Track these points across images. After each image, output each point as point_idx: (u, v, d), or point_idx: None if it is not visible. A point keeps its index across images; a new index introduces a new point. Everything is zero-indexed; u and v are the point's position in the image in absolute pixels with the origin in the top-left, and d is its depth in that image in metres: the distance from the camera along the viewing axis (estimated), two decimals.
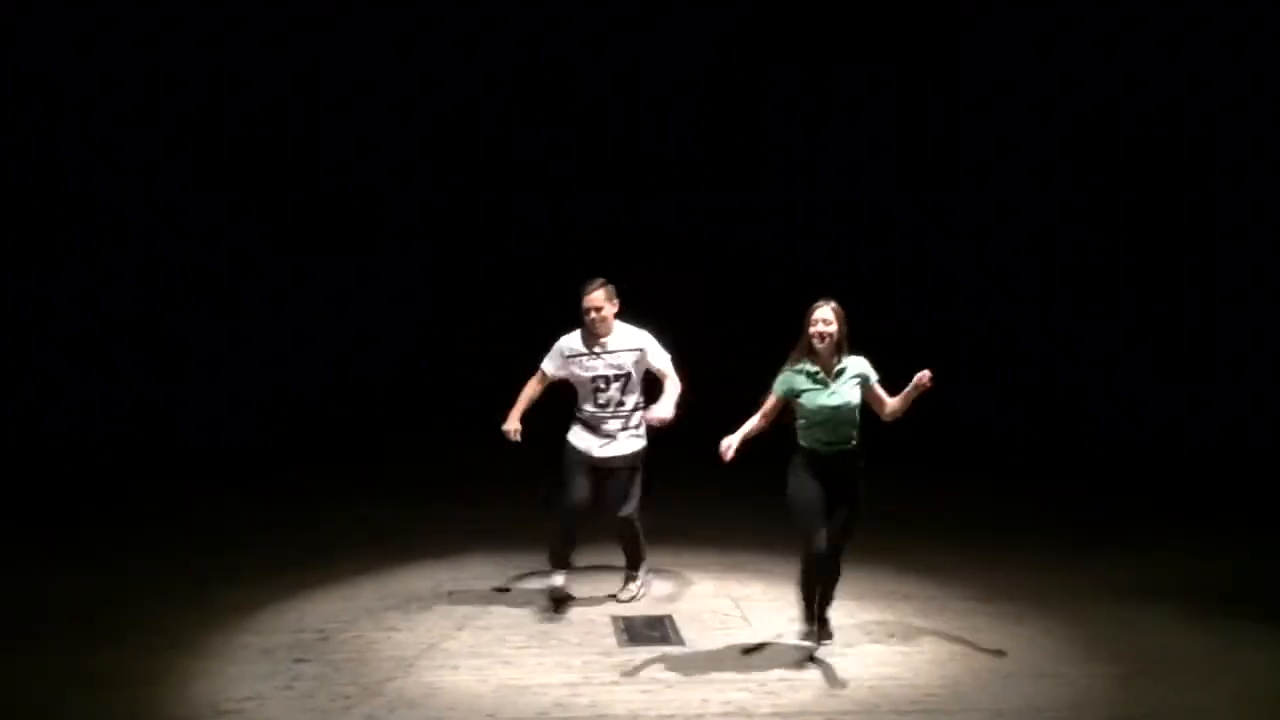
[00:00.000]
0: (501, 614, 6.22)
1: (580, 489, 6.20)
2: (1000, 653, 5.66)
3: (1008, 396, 11.41)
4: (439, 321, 12.38)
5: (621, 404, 6.20)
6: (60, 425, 10.73)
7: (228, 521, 8.30)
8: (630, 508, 6.26)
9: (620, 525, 6.32)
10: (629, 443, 6.23)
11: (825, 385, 5.44)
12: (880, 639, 5.80)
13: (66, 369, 11.27)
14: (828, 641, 5.67)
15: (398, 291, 12.47)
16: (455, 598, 6.50)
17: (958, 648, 5.73)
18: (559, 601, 6.32)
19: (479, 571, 7.03)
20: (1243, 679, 5.35)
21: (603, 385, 6.18)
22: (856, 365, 5.51)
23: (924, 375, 5.22)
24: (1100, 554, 7.49)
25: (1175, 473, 9.87)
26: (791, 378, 5.49)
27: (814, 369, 5.44)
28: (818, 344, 5.42)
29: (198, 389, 11.57)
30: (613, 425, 6.20)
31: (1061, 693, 5.16)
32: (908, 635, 5.88)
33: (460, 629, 5.98)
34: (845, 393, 5.44)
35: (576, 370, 6.22)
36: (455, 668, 5.44)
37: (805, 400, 5.44)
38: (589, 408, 6.22)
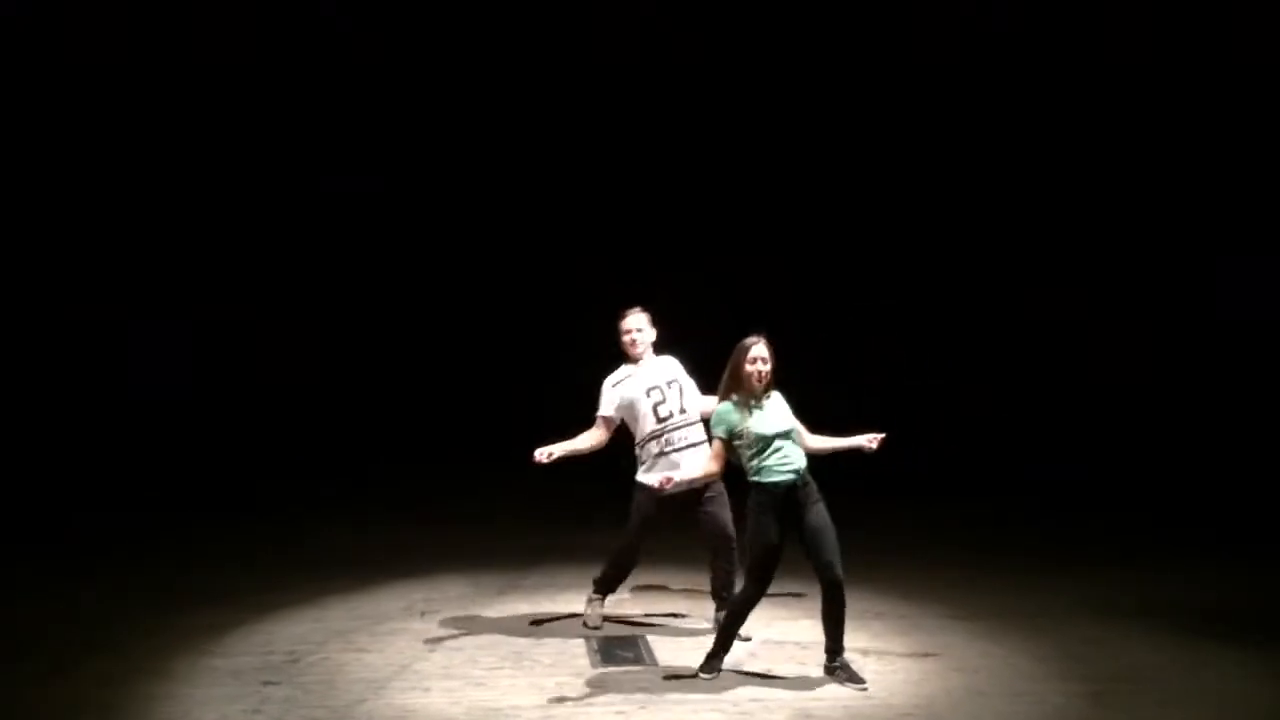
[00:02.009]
0: (474, 635, 6.16)
1: (653, 524, 6.00)
2: (975, 672, 5.64)
3: (984, 416, 11.43)
4: (418, 344, 12.31)
5: (684, 411, 5.97)
6: (26, 447, 10.61)
7: (193, 543, 8.21)
8: (733, 531, 5.97)
9: (724, 552, 6.03)
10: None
11: (765, 410, 5.33)
12: (854, 658, 5.77)
13: (37, 389, 11.18)
14: (861, 686, 5.38)
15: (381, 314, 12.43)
16: (427, 618, 6.44)
17: (932, 667, 5.71)
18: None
19: (451, 592, 6.97)
20: (1217, 698, 5.36)
21: (660, 396, 5.97)
22: (777, 394, 5.43)
23: (876, 438, 5.25)
24: (1075, 573, 7.51)
25: (1151, 492, 9.90)
26: (729, 414, 5.32)
27: (749, 399, 5.31)
28: (755, 383, 5.28)
29: (168, 408, 11.50)
30: (683, 439, 5.96)
31: (1036, 712, 5.15)
32: (882, 654, 5.86)
33: (432, 650, 5.92)
34: (788, 415, 5.39)
35: (628, 393, 6.00)
36: (427, 689, 5.38)
37: (756, 427, 5.27)
38: (652, 429, 5.97)
